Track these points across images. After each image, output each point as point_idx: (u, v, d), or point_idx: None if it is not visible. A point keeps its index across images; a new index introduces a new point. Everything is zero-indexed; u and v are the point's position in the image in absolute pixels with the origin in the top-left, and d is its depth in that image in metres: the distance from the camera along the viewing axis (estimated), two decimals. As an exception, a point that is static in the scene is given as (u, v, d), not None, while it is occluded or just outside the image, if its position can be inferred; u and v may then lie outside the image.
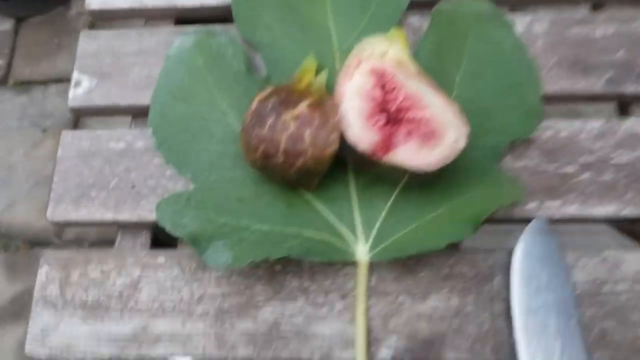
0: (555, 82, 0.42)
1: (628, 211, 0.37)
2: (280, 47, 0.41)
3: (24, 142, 1.34)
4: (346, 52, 0.41)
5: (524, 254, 0.36)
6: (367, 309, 0.35)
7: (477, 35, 0.42)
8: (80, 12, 1.54)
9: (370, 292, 0.36)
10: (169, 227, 0.35)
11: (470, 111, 0.38)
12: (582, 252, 0.37)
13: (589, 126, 0.40)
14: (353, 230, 0.36)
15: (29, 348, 0.35)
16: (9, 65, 1.46)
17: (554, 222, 0.38)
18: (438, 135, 0.34)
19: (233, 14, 0.42)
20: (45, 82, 1.43)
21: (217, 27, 0.44)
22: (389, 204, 0.37)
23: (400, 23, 0.44)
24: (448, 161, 0.34)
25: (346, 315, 0.35)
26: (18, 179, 1.27)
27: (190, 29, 0.45)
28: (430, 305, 0.35)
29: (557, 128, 0.41)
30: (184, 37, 0.41)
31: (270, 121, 0.35)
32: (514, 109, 0.40)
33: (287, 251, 0.34)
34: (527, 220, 0.37)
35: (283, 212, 0.37)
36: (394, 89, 0.36)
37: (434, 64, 0.41)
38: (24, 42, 1.49)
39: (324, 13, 0.42)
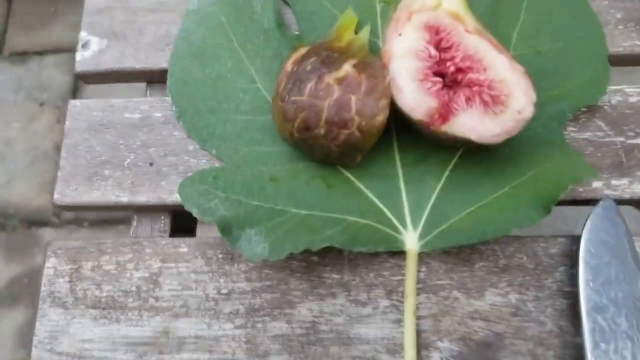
0: (620, 42, 0.37)
1: None
2: (313, 1, 0.36)
3: (21, 116, 1.29)
4: (389, 4, 0.36)
5: (591, 243, 0.32)
6: (417, 307, 0.31)
7: None
8: (76, -22, 1.48)
9: (420, 287, 0.32)
10: (195, 212, 0.31)
11: (530, 74, 0.34)
12: (657, 242, 0.33)
13: (661, 95, 0.36)
14: (400, 214, 0.32)
15: (36, 353, 0.31)
16: (3, 35, 1.41)
17: (621, 203, 0.34)
18: (503, 102, 0.30)
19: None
20: (41, 53, 1.37)
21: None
22: (441, 183, 0.33)
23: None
24: (515, 132, 0.30)
25: (392, 316, 0.31)
26: (15, 155, 1.22)
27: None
28: (487, 302, 0.32)
29: (625, 93, 0.36)
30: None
31: (310, 85, 0.30)
32: (578, 72, 0.35)
33: (330, 240, 0.30)
34: (591, 202, 0.33)
35: (322, 193, 0.32)
36: (450, 46, 0.31)
37: (490, 18, 0.36)
38: (18, 10, 1.43)
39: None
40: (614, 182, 0.34)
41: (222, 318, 0.32)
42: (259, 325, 0.31)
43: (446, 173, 0.33)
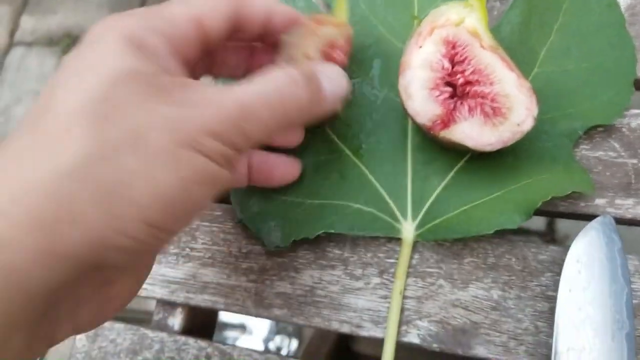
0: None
1: None
2: (355, 13, 0.40)
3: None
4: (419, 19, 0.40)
5: (581, 253, 0.34)
6: (404, 289, 0.35)
7: (575, 5, 0.39)
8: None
9: (410, 271, 0.36)
10: (237, 210, 0.38)
11: (550, 91, 0.36)
12: (647, 261, 0.34)
13: (682, 125, 0.36)
14: (403, 206, 0.36)
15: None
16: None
17: (622, 222, 0.35)
18: (503, 114, 0.33)
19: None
20: (167, 44, 1.54)
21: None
22: (443, 183, 0.36)
23: None
24: (510, 142, 0.32)
25: (381, 292, 0.36)
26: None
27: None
28: (470, 294, 0.35)
29: (645, 120, 0.37)
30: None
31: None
32: (599, 92, 0.37)
33: (330, 226, 0.35)
34: (591, 217, 0.35)
35: (335, 183, 0.37)
36: (463, 60, 0.34)
37: (520, 34, 0.39)
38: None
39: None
40: (618, 201, 0.35)
41: (239, 272, 0.38)
42: (267, 283, 0.37)
43: (450, 174, 0.36)
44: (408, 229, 0.36)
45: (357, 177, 0.37)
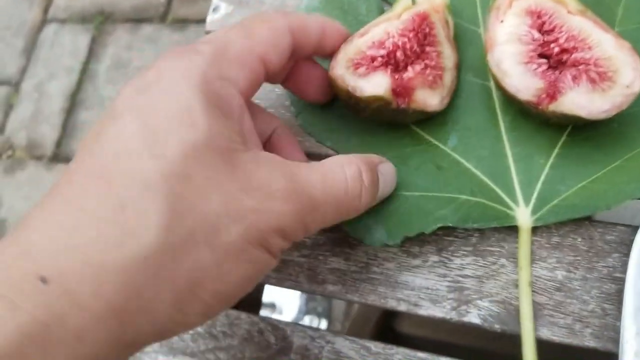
0: None
1: None
2: None
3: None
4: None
5: (651, 235, 0.32)
6: (531, 281, 0.33)
7: None
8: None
9: (470, 250, 0.35)
10: None
11: (638, 49, 0.32)
12: None
13: None
14: (511, 191, 0.34)
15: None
16: (169, 3, 1.58)
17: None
18: (610, 78, 0.30)
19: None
20: (199, 22, 1.52)
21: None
22: (550, 160, 0.34)
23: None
24: (625, 106, 0.30)
25: (439, 270, 0.34)
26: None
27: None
28: (533, 274, 0.33)
29: None
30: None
31: None
32: None
33: (444, 220, 0.33)
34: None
35: (432, 175, 0.35)
36: (553, 28, 0.32)
37: None
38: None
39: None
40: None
41: (291, 247, 0.37)
42: (320, 258, 0.36)
43: (555, 150, 0.34)
44: (524, 215, 0.33)
45: (454, 167, 0.35)
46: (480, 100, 0.36)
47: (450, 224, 0.33)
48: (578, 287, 0.33)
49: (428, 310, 0.34)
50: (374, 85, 0.32)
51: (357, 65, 0.32)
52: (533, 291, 0.33)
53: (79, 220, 0.22)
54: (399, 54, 0.32)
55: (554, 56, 0.32)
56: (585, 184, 0.33)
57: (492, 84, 0.35)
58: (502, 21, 0.33)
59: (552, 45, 0.32)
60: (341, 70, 0.32)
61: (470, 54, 0.36)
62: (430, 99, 0.33)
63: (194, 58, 0.26)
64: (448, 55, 0.34)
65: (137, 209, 0.22)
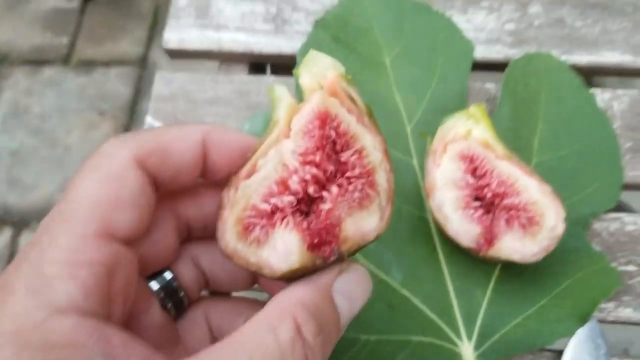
0: (627, 171, 0.40)
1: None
2: None
3: (81, 124, 1.38)
4: (417, 126, 0.40)
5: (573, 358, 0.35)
6: None
7: (551, 93, 0.41)
8: (145, -4, 1.56)
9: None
10: None
11: (553, 180, 0.36)
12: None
13: (659, 222, 0.39)
14: (456, 328, 0.36)
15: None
16: (73, 44, 1.50)
17: (605, 323, 0.37)
18: (538, 222, 0.33)
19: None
20: (107, 64, 1.46)
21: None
22: (487, 295, 0.36)
23: (473, 92, 0.44)
24: (551, 249, 0.33)
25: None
26: (72, 161, 1.32)
27: (263, 77, 0.45)
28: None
29: (623, 222, 0.39)
30: (253, 121, 0.42)
31: None
32: (596, 174, 0.39)
33: None
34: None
35: (386, 315, 0.36)
36: (485, 173, 0.35)
37: (511, 129, 0.40)
38: (89, 22, 1.53)
39: (389, 84, 0.42)
40: (602, 304, 0.37)
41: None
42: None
43: (491, 285, 0.36)
44: (468, 350, 0.35)
45: (404, 304, 0.36)
46: (419, 232, 0.38)
47: None
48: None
49: None
50: (283, 254, 0.23)
51: (247, 227, 0.23)
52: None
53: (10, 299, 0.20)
54: (311, 190, 0.23)
55: (487, 200, 0.34)
56: (520, 320, 0.35)
57: (428, 215, 0.37)
58: (438, 165, 0.35)
59: (485, 190, 0.34)
60: (232, 241, 0.23)
61: (405, 185, 0.38)
62: (365, 223, 0.24)
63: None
64: (371, 145, 0.24)
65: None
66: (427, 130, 0.38)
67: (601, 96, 0.43)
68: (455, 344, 0.35)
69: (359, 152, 0.24)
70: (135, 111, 1.38)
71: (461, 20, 0.46)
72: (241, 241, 0.23)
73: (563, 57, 0.44)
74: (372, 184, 0.24)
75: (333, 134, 0.24)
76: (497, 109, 0.41)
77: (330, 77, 0.24)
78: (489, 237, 0.34)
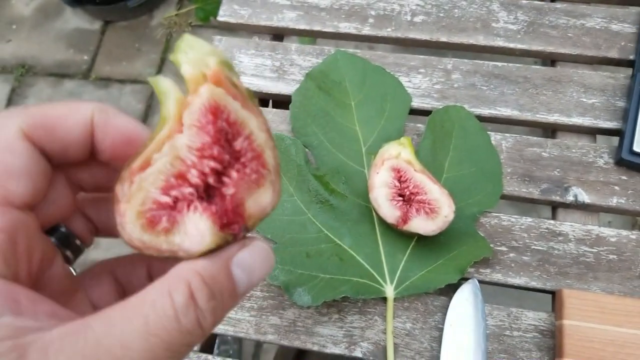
0: (506, 186, 0.61)
1: (534, 283, 0.57)
2: (324, 147, 0.61)
3: (99, 131, 1.55)
4: (369, 149, 0.61)
5: (458, 301, 0.56)
6: (393, 330, 0.55)
7: (459, 133, 0.61)
8: (160, 23, 1.77)
9: (356, 311, 0.56)
10: (267, 277, 0.56)
11: (456, 189, 0.57)
12: (496, 306, 0.56)
13: (522, 221, 0.60)
14: (383, 276, 0.55)
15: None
16: (93, 61, 1.70)
17: (484, 283, 0.57)
18: (437, 211, 0.53)
19: (291, 127, 0.62)
20: (122, 81, 1.65)
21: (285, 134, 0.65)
22: (405, 256, 0.56)
23: (408, 129, 0.65)
24: (444, 228, 0.53)
25: (338, 323, 0.56)
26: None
27: (267, 109, 0.66)
28: (394, 326, 0.56)
29: (500, 218, 0.60)
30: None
31: None
32: (485, 187, 0.59)
33: (344, 293, 0.53)
34: (466, 279, 0.57)
35: (338, 264, 0.55)
36: (406, 180, 0.55)
37: (431, 154, 0.60)
38: (108, 42, 1.72)
39: (352, 120, 0.62)
40: (481, 270, 0.58)
41: (244, 310, 0.56)
42: (263, 317, 0.56)
43: (408, 250, 0.56)
44: (389, 290, 0.55)
45: (350, 259, 0.56)
46: (364, 215, 0.58)
47: (348, 295, 0.55)
48: (418, 333, 0.55)
49: (331, 349, 0.55)
50: (196, 237, 0.25)
51: (151, 221, 0.25)
52: (394, 336, 0.55)
53: None
54: (211, 180, 0.25)
55: (407, 196, 0.55)
56: (424, 273, 0.56)
57: (370, 204, 0.58)
58: (377, 173, 0.56)
59: (405, 190, 0.55)
60: (136, 232, 0.24)
61: (358, 185, 0.59)
62: (262, 199, 0.26)
63: None
64: (257, 127, 0.26)
65: None
66: (375, 151, 0.59)
67: (494, 137, 0.64)
68: (382, 286, 0.55)
69: (249, 137, 0.26)
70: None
71: (404, 80, 0.67)
72: (147, 233, 0.24)
73: (472, 110, 0.65)
74: (263, 164, 0.26)
75: (225, 125, 0.25)
76: (422, 141, 0.62)
77: (214, 67, 0.25)
78: (405, 218, 0.54)
